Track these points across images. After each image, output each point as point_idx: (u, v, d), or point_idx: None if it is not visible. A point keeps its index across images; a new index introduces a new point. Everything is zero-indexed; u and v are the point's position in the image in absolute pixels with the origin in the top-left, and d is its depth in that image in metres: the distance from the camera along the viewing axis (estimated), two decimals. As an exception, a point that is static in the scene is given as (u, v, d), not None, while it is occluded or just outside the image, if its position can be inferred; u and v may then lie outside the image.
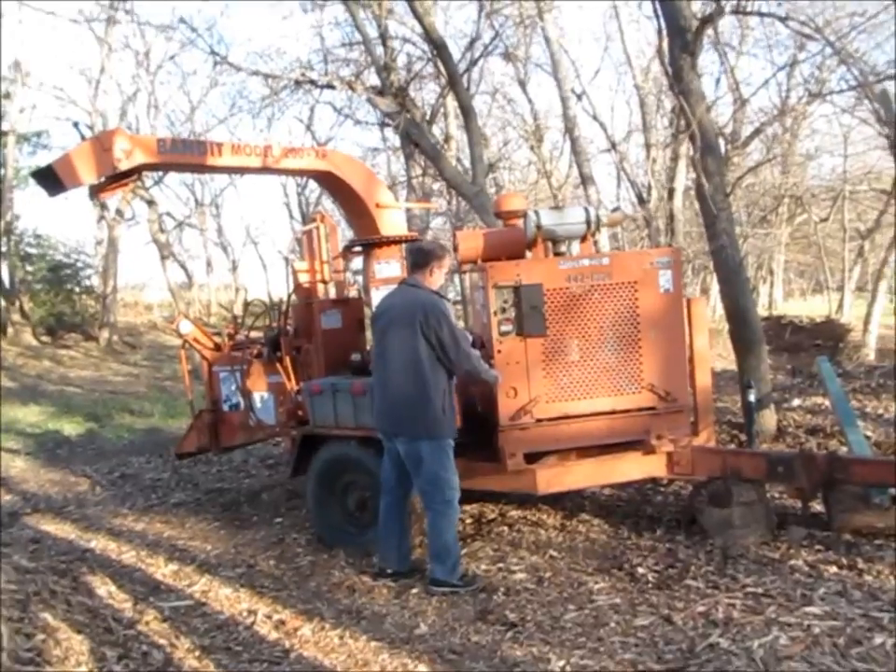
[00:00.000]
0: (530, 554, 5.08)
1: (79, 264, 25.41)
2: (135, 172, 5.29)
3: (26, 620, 3.68)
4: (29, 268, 23.46)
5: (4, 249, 22.19)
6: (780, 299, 32.97)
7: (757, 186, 21.34)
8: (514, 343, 4.97)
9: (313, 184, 26.56)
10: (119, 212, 22.88)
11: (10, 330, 21.19)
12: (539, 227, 5.29)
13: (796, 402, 8.28)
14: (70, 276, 24.76)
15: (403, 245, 6.28)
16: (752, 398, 6.44)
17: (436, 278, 4.76)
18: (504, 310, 4.97)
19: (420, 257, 4.76)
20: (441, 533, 4.62)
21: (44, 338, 21.69)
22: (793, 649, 3.51)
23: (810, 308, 28.78)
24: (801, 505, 5.11)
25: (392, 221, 6.12)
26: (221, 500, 7.23)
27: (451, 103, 16.30)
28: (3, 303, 22.29)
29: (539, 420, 5.02)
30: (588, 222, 5.34)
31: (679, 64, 6.88)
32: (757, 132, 16.90)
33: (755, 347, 7.08)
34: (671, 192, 16.07)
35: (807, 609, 3.90)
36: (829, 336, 20.43)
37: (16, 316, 21.96)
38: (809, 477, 4.81)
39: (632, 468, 5.18)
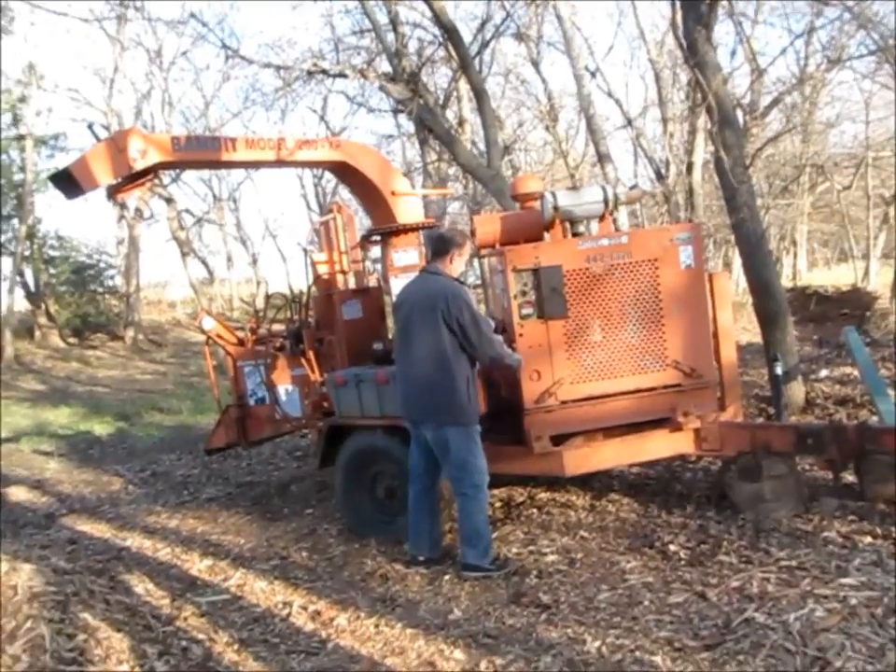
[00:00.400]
0: (561, 536, 5.08)
1: (102, 264, 25.72)
2: (152, 171, 5.30)
3: (67, 620, 3.72)
4: (52, 270, 23.73)
5: (27, 253, 22.43)
6: (804, 269, 32.55)
7: (777, 156, 21.07)
8: (536, 325, 4.96)
9: (329, 174, 26.63)
10: (138, 211, 23.05)
11: (38, 333, 21.49)
12: (556, 208, 5.26)
13: (824, 373, 8.21)
14: (93, 277, 25.06)
15: (421, 233, 6.28)
16: (779, 370, 6.39)
17: (456, 265, 4.75)
18: (524, 293, 4.95)
19: (440, 244, 4.75)
20: (471, 517, 4.63)
21: (71, 339, 21.98)
22: (830, 621, 3.48)
23: (835, 277, 28.35)
24: (832, 476, 5.07)
25: (409, 209, 6.10)
26: (252, 494, 7.29)
27: (464, 86, 16.21)
28: (29, 307, 22.58)
29: (563, 402, 5.01)
30: (606, 201, 5.31)
31: (694, 37, 6.81)
32: (776, 101, 16.63)
33: (780, 320, 7.02)
34: (690, 167, 15.89)
35: (843, 580, 3.87)
36: (855, 305, 20.15)
37: (42, 319, 22.25)
38: (840, 448, 4.77)
39: (659, 446, 5.15)
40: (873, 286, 22.15)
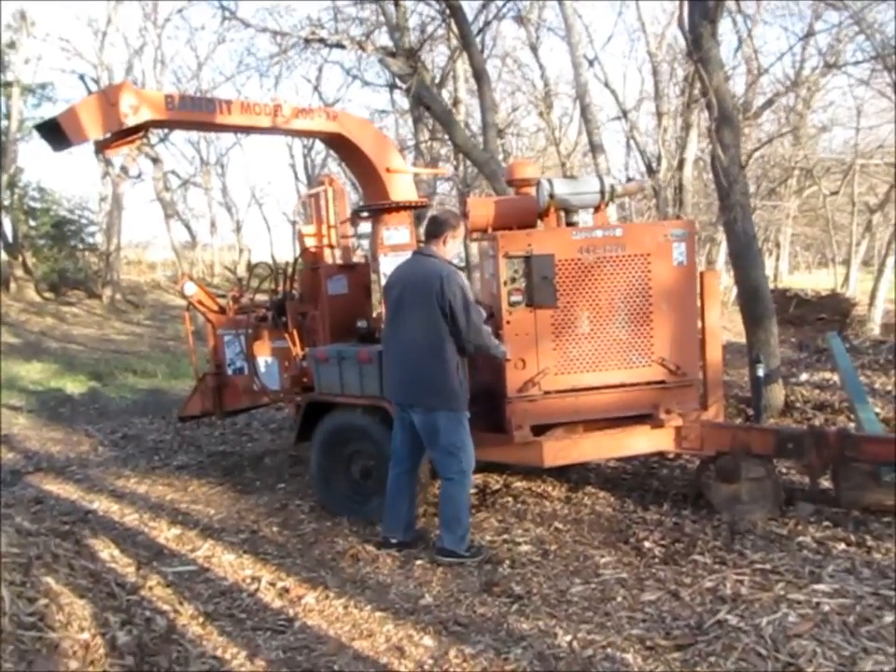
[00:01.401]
0: (535, 526, 5.06)
1: (83, 220, 25.23)
2: (142, 128, 5.15)
3: (28, 584, 3.62)
4: (32, 223, 23.27)
5: (7, 203, 21.99)
6: (785, 271, 32.78)
7: (767, 157, 21.09)
8: (524, 313, 4.89)
9: (318, 146, 26.38)
10: (123, 168, 22.67)
11: (13, 286, 21.09)
12: (552, 196, 5.19)
13: (804, 377, 8.22)
14: (74, 232, 24.59)
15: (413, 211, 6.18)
16: (761, 372, 6.37)
17: (450, 248, 4.69)
18: (514, 280, 4.88)
19: (434, 226, 4.69)
20: (454, 502, 4.59)
21: (47, 294, 21.61)
22: (802, 626, 3.48)
23: (815, 281, 28.65)
24: (809, 481, 5.07)
25: (402, 186, 5.99)
26: (224, 464, 7.21)
27: (461, 66, 16.05)
28: (5, 258, 22.16)
29: (547, 392, 4.96)
30: (602, 192, 5.24)
31: (699, 32, 6.72)
32: (769, 102, 16.64)
33: (765, 321, 7.00)
34: (681, 163, 15.86)
35: (816, 586, 3.87)
36: (834, 310, 20.34)
37: (19, 272, 21.84)
38: (819, 454, 4.77)
39: (640, 441, 5.12)
40: (852, 292, 22.36)
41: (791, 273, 35.74)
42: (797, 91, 17.01)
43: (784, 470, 5.59)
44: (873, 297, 18.64)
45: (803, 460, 4.91)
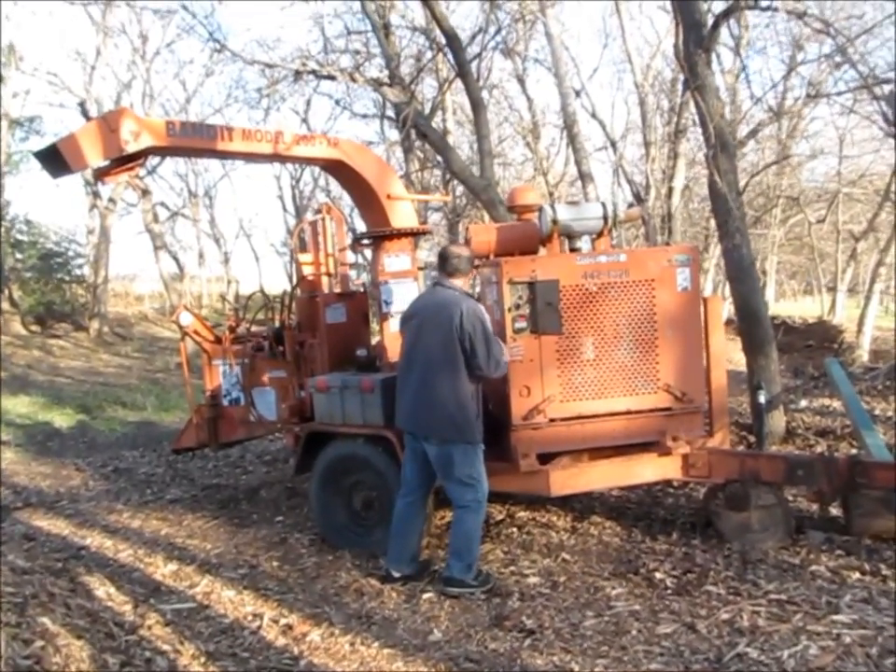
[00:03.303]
0: (542, 558, 4.95)
1: (70, 253, 25.15)
2: (142, 155, 5.07)
3: (24, 624, 3.50)
4: (19, 255, 23.14)
5: (-6, 236, 21.87)
6: (772, 299, 32.95)
7: (751, 186, 21.25)
8: (528, 340, 4.82)
9: (306, 177, 26.44)
10: (111, 200, 22.60)
11: (-1, 319, 20.92)
12: (555, 221, 5.15)
13: (803, 403, 8.20)
14: (61, 265, 24.50)
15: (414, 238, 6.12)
16: (762, 399, 6.33)
17: (466, 281, 4.71)
18: (518, 306, 4.82)
19: (453, 260, 4.65)
20: (467, 529, 4.51)
21: (33, 327, 21.43)
22: (825, 659, 3.40)
23: (801, 309, 28.83)
24: (818, 508, 5.00)
25: (403, 213, 5.93)
26: (219, 497, 7.06)
27: (449, 97, 16.12)
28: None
29: (552, 420, 4.88)
30: (605, 218, 5.21)
31: (694, 60, 6.75)
32: (754, 132, 16.78)
33: (766, 347, 6.97)
34: (670, 191, 15.95)
35: (835, 617, 3.80)
36: (821, 337, 20.42)
37: (5, 305, 21.67)
38: (830, 481, 4.72)
39: (647, 469, 5.04)
40: (839, 319, 22.49)
41: (778, 301, 35.92)
42: (780, 121, 17.17)
43: (790, 498, 5.51)
44: (861, 323, 18.70)
45: (813, 487, 4.86)
